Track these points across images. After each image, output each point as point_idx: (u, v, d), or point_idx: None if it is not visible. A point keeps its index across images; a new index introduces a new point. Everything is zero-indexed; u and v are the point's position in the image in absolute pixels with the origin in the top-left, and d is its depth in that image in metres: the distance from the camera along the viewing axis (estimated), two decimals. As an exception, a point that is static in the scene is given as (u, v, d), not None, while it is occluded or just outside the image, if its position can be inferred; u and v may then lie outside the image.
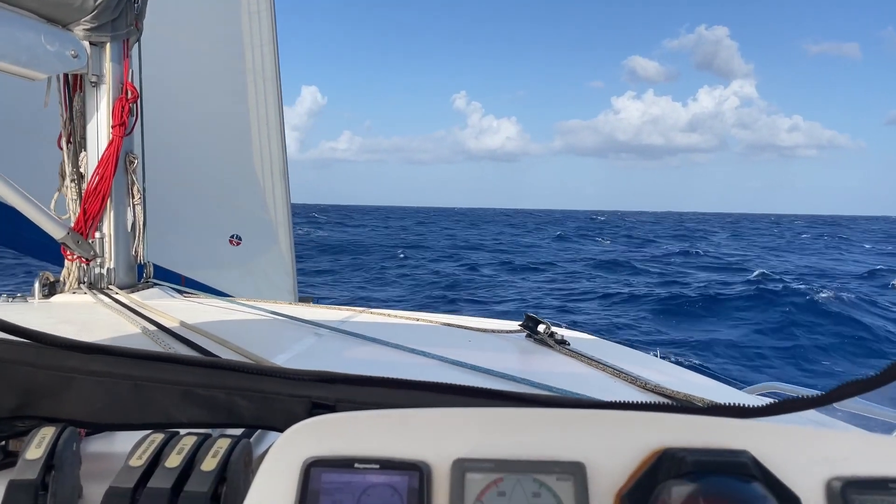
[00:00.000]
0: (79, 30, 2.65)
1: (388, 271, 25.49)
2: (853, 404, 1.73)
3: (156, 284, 2.98)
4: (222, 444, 0.77)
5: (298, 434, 0.68)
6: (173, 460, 0.74)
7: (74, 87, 2.83)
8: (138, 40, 2.95)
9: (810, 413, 1.49)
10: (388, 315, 2.78)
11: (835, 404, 1.62)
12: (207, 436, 0.80)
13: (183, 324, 2.01)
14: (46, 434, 0.78)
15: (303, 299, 6.17)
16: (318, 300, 6.87)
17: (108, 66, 2.76)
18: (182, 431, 0.80)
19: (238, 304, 2.81)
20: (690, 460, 0.66)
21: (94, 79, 2.75)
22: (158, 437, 0.78)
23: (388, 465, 0.66)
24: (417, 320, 2.69)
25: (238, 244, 5.92)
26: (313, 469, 0.66)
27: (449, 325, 2.52)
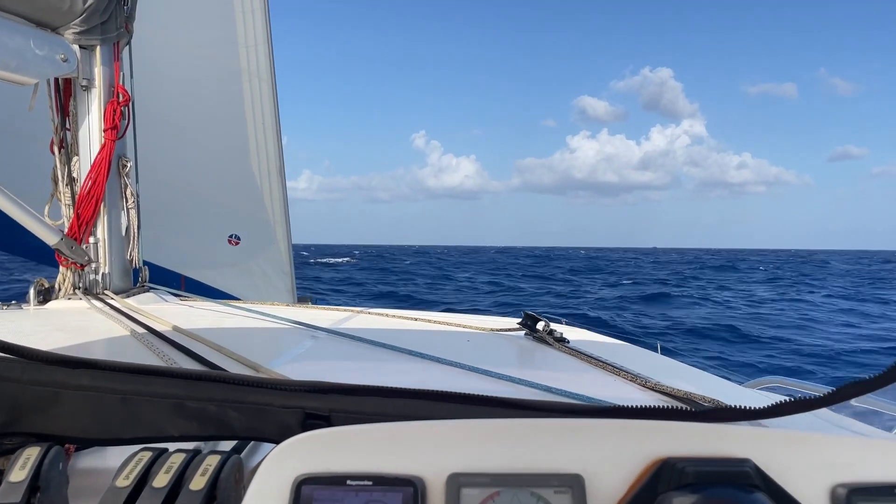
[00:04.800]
0: (68, 33, 2.62)
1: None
2: (859, 398, 1.71)
3: (151, 288, 2.97)
4: (212, 462, 0.75)
5: (289, 450, 0.67)
6: (161, 480, 0.73)
7: (66, 91, 2.81)
8: (129, 43, 2.92)
9: (809, 415, 1.47)
10: (387, 315, 2.76)
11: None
12: (197, 452, 0.78)
13: (177, 329, 1.99)
14: (31, 454, 0.76)
15: (301, 299, 6.16)
16: (316, 300, 6.85)
17: (98, 70, 2.74)
18: (171, 448, 0.78)
19: (234, 306, 2.79)
20: (691, 471, 0.65)
21: (84, 82, 2.73)
22: (146, 456, 0.76)
23: (381, 481, 0.65)
24: (416, 320, 2.68)
25: (237, 244, 5.91)
26: (305, 486, 0.64)
27: (448, 324, 2.51)
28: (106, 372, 0.89)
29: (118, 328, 2.05)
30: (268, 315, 2.48)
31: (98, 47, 2.71)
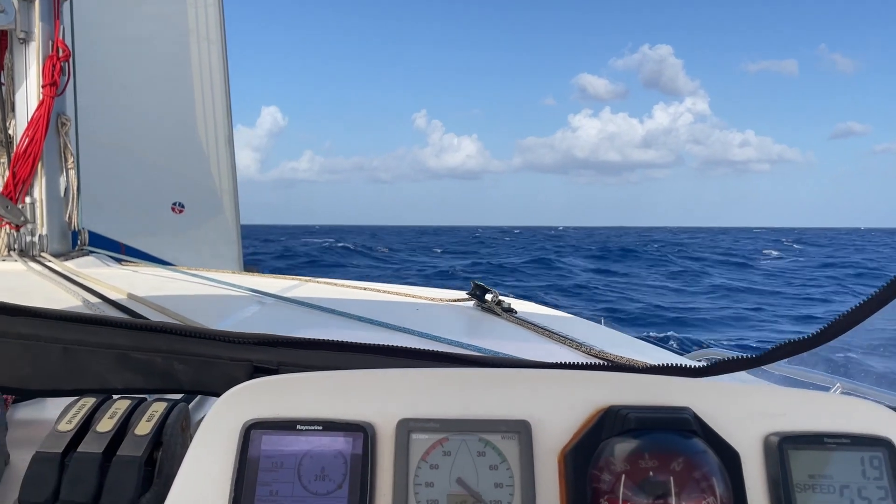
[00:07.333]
0: (5, -18, 2.50)
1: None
2: (788, 368, 1.79)
3: (91, 252, 2.88)
4: (158, 408, 0.74)
5: (238, 396, 0.67)
6: (105, 424, 0.71)
7: (2, 44, 2.67)
8: (70, -4, 2.80)
9: (746, 376, 1.54)
10: (335, 284, 2.75)
11: (770, 368, 1.67)
12: (143, 399, 0.77)
13: (119, 292, 1.94)
14: None
15: (248, 268, 6.06)
16: (265, 270, 6.75)
17: (37, 23, 2.61)
18: (116, 396, 0.77)
19: (179, 272, 2.74)
20: (633, 417, 0.67)
21: (22, 35, 2.60)
22: (90, 402, 0.75)
23: (331, 426, 0.65)
24: (365, 289, 2.67)
25: (181, 212, 5.75)
26: (253, 431, 0.64)
27: (397, 294, 2.51)
28: (47, 321, 0.86)
29: (57, 290, 1.99)
30: (215, 280, 2.44)
31: (37, -1, 2.59)
